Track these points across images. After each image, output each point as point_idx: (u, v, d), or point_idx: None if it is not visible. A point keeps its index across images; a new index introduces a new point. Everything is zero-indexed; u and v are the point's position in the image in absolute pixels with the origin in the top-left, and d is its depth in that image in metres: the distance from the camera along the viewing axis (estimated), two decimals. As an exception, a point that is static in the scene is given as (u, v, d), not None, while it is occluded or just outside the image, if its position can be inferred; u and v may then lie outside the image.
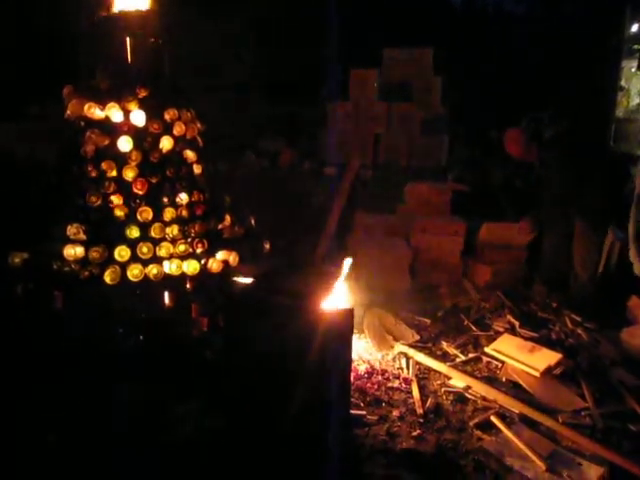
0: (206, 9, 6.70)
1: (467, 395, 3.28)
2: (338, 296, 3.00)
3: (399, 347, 3.77)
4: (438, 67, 6.40)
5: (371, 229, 5.22)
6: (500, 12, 10.72)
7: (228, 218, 2.92)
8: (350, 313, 2.66)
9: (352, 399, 3.10)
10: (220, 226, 2.87)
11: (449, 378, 3.46)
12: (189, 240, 2.67)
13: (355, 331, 3.56)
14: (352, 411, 3.00)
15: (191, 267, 2.65)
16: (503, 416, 3.06)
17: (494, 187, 5.95)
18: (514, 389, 3.34)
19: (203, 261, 2.70)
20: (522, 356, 3.58)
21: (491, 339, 3.92)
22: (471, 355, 3.75)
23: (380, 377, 3.46)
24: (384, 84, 6.40)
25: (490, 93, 8.05)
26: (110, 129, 2.62)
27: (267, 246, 3.06)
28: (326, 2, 8.70)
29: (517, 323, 4.16)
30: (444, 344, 3.90)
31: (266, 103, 7.46)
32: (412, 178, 5.57)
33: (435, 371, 3.54)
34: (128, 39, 2.71)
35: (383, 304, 4.32)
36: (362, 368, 3.53)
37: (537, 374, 3.40)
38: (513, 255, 4.98)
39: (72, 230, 2.51)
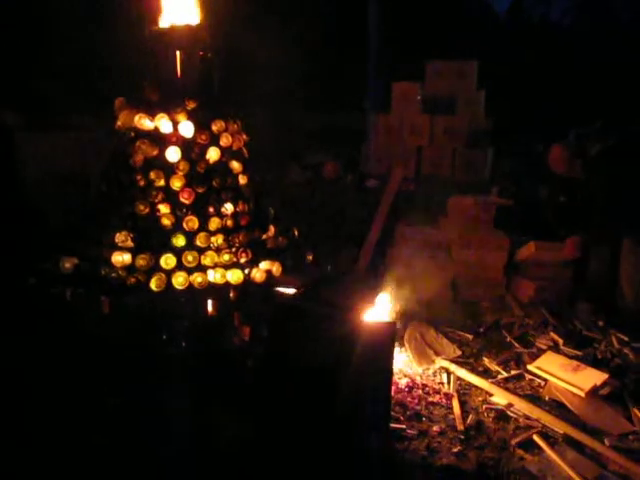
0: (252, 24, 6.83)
1: (509, 413, 3.22)
2: (380, 309, 2.99)
3: (440, 362, 3.74)
4: (482, 79, 6.36)
5: (413, 242, 5.19)
6: (546, 23, 10.60)
7: (272, 228, 2.95)
8: (392, 326, 2.65)
9: (392, 413, 3.08)
10: (264, 236, 2.90)
11: (490, 395, 3.40)
12: (233, 250, 2.71)
13: (396, 344, 3.53)
14: (392, 425, 2.98)
15: (235, 276, 2.68)
16: (546, 436, 3.00)
17: (538, 202, 5.85)
18: (558, 408, 3.27)
19: (247, 271, 2.73)
20: (566, 375, 3.49)
21: (534, 356, 3.85)
22: (513, 372, 3.69)
23: (420, 391, 3.43)
24: (427, 97, 6.38)
25: (536, 105, 7.94)
26: (159, 140, 2.69)
27: (310, 257, 3.08)
28: (369, 14, 8.74)
29: (561, 341, 4.07)
30: (486, 360, 3.84)
31: (310, 115, 7.52)
32: (455, 191, 5.53)
33: (476, 387, 3.49)
34: (178, 52, 2.78)
35: (424, 318, 4.28)
36: (403, 382, 3.50)
37: (582, 394, 3.32)
38: (558, 271, 4.88)
39: (120, 237, 2.58)
